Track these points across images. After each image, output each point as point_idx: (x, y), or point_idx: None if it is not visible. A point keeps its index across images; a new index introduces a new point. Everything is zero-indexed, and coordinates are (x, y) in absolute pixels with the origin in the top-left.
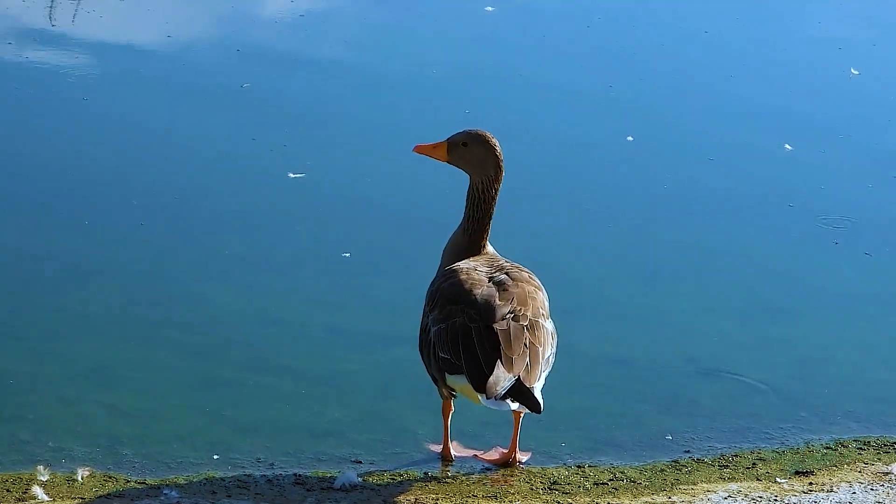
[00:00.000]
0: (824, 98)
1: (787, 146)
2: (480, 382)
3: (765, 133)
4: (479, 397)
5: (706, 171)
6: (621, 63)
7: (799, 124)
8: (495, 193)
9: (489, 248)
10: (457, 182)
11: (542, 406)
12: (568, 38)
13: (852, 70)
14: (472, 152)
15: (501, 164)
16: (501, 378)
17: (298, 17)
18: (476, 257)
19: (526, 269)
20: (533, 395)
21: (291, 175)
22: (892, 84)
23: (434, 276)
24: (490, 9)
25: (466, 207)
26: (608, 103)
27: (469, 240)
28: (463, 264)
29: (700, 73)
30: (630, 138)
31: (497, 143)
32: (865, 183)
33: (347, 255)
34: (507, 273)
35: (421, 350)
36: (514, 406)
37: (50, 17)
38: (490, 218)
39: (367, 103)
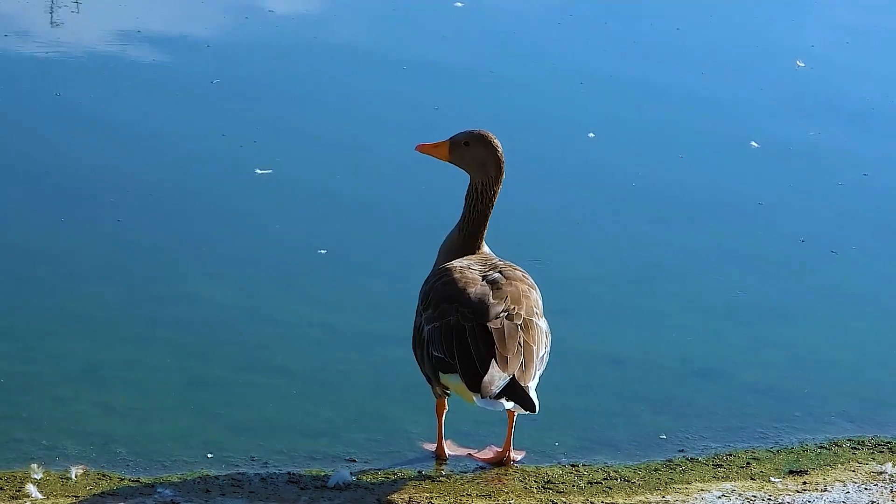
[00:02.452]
0: (786, 92)
1: (753, 143)
2: (475, 382)
3: (731, 129)
4: (474, 397)
5: (685, 169)
6: (592, 59)
7: (760, 120)
8: (494, 194)
9: (485, 247)
10: (447, 180)
11: (537, 405)
12: (537, 35)
13: (798, 62)
14: (473, 152)
15: (503, 165)
16: (496, 377)
17: (267, 13)
18: (470, 256)
19: (520, 268)
20: (528, 394)
21: (258, 171)
22: (838, 76)
23: (428, 274)
24: (459, 4)
25: (465, 207)
26: (578, 98)
27: (464, 240)
28: (456, 263)
29: (670, 69)
30: (591, 135)
31: (499, 144)
32: (832, 180)
33: (324, 251)
34: (500, 272)
35: (414, 349)
36: (509, 405)
37: (20, 12)
38: (487, 219)
39: (337, 98)
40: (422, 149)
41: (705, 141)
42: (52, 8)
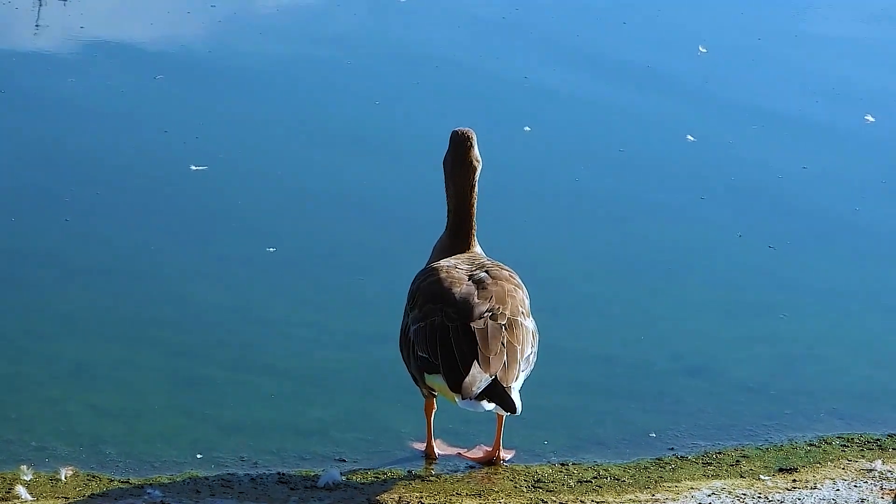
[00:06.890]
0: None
1: (689, 137)
2: (456, 382)
3: (671, 122)
4: (455, 397)
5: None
6: (543, 53)
7: (702, 112)
8: (465, 191)
9: (477, 247)
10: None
11: (517, 407)
12: (482, 31)
13: (700, 48)
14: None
15: (460, 160)
16: (478, 378)
17: (210, 9)
18: (458, 255)
19: (507, 268)
20: (509, 395)
21: (193, 168)
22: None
23: (417, 273)
24: None
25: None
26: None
27: (451, 238)
28: (443, 262)
29: (614, 59)
30: (527, 128)
31: (463, 142)
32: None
33: (272, 249)
34: (486, 271)
35: (401, 349)
36: (490, 407)
37: None
38: (469, 217)
39: (283, 93)
40: None
41: (643, 134)
42: None
